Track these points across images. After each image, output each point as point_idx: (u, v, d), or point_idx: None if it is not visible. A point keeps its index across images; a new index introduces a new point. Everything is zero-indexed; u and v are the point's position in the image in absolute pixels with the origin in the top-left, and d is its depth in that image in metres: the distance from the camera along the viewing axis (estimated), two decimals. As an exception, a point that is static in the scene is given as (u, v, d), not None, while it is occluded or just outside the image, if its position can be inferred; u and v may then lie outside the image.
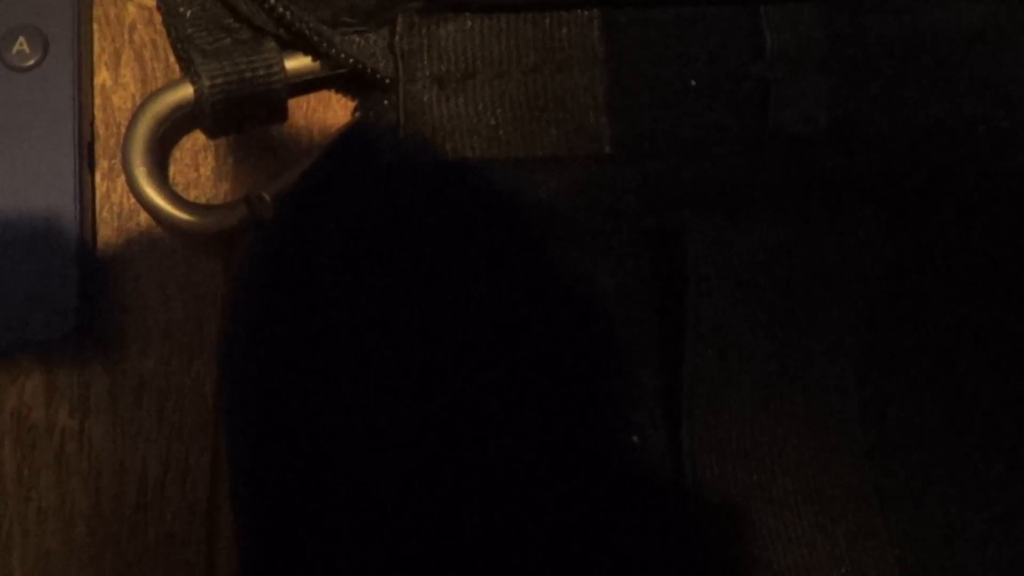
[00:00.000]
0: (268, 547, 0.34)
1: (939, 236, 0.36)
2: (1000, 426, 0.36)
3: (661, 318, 0.36)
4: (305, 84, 0.38)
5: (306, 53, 0.36)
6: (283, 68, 0.36)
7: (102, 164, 0.38)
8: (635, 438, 0.35)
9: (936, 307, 0.36)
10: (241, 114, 0.37)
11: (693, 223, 0.35)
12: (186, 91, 0.36)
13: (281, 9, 0.35)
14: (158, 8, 0.37)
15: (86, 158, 0.37)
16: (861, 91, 0.36)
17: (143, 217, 0.37)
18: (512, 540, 0.34)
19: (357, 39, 0.36)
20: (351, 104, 0.39)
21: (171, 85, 0.36)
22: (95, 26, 0.38)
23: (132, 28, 0.39)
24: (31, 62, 0.36)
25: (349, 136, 0.36)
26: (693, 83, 0.36)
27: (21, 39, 0.36)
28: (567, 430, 0.35)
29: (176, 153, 0.38)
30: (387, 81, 0.36)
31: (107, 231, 0.38)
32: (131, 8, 0.39)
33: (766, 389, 0.35)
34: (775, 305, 0.35)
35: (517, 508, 0.34)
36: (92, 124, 0.38)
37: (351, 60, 0.36)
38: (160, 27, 0.38)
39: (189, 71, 0.36)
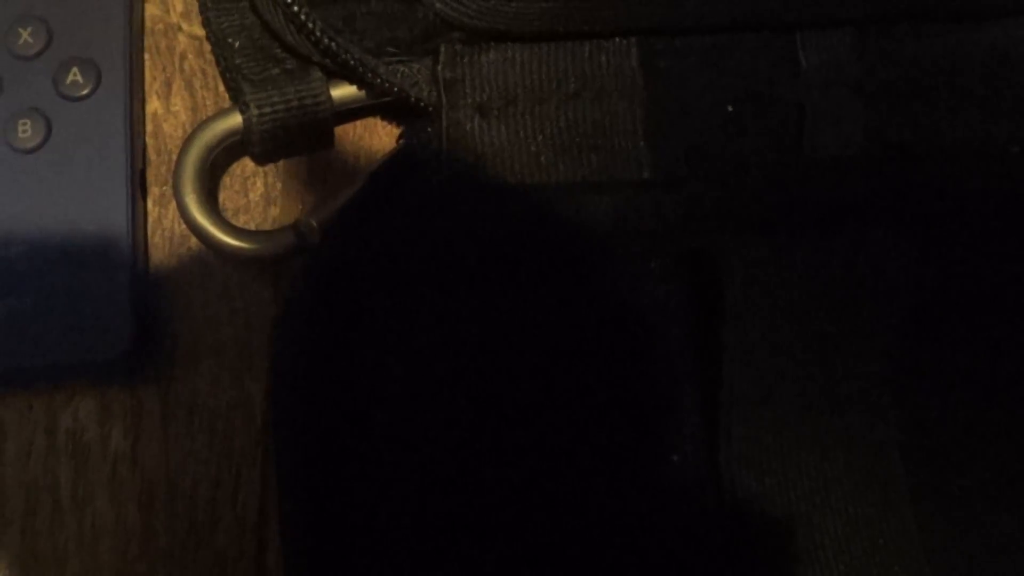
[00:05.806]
0: (314, 569, 0.34)
1: (971, 257, 0.36)
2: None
3: (700, 339, 0.36)
4: (351, 112, 0.38)
5: (351, 82, 0.37)
6: (329, 97, 0.37)
7: (153, 190, 0.39)
8: (675, 457, 0.35)
9: (969, 328, 0.36)
10: (289, 141, 0.38)
11: (731, 246, 0.35)
12: (235, 120, 0.37)
13: (327, 40, 0.36)
14: (208, 38, 0.38)
15: (138, 185, 0.38)
16: (895, 113, 0.37)
17: (194, 242, 0.38)
18: (552, 557, 0.35)
19: (401, 68, 0.37)
20: (396, 131, 0.39)
21: (221, 114, 0.37)
22: (147, 56, 0.39)
23: (183, 57, 0.40)
24: (85, 91, 0.37)
25: (394, 162, 0.37)
26: (730, 108, 0.37)
27: (75, 70, 0.37)
28: (608, 448, 0.35)
29: (226, 179, 0.39)
30: (430, 109, 0.36)
31: (159, 256, 0.38)
32: (182, 38, 0.40)
33: (803, 409, 0.35)
34: (811, 325, 0.35)
35: (558, 526, 0.35)
36: (144, 151, 0.39)
37: (395, 88, 0.36)
38: (210, 56, 0.39)
39: (238, 100, 0.37)
